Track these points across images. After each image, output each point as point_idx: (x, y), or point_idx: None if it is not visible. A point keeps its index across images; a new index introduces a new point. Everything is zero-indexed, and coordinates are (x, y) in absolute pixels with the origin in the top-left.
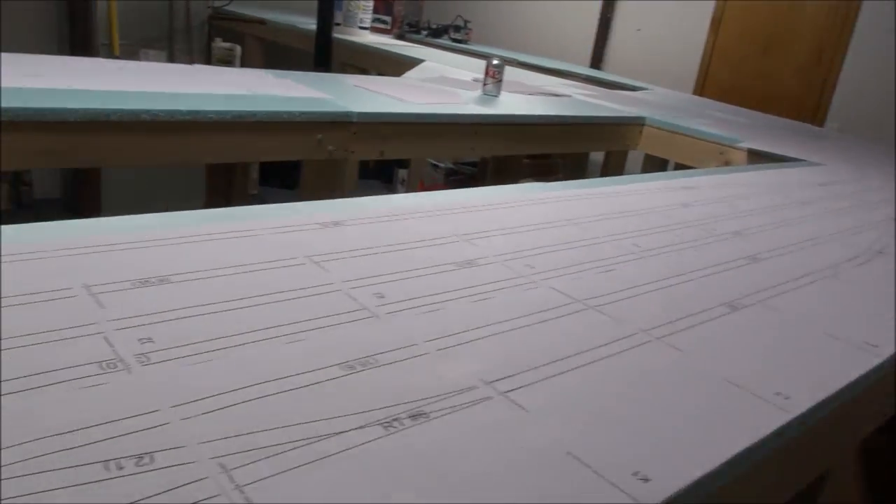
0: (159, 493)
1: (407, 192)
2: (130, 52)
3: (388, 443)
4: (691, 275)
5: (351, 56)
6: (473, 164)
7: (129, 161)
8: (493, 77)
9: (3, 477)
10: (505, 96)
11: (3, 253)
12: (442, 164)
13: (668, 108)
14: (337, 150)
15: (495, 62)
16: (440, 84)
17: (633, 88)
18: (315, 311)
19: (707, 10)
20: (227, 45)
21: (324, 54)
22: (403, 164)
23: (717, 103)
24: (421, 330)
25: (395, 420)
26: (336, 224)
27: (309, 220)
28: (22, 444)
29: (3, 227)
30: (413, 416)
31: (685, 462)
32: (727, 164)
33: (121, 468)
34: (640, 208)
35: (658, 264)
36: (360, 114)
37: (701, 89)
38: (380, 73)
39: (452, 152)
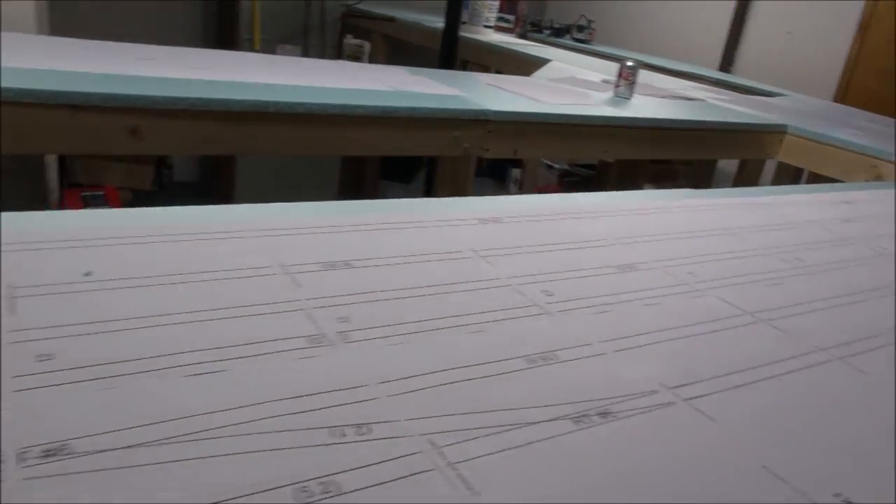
0: (380, 462)
1: (520, 192)
2: (268, 48)
3: (579, 437)
4: (865, 294)
5: (473, 54)
6: (590, 167)
7: (280, 150)
8: (627, 79)
9: (241, 432)
10: (637, 99)
11: (214, 230)
12: (557, 166)
13: (809, 116)
14: (472, 147)
15: (629, 64)
16: (570, 84)
17: (769, 94)
18: (489, 305)
19: (854, 12)
20: (357, 41)
21: (450, 52)
22: (517, 163)
23: (864, 112)
24: (594, 330)
25: (583, 416)
26: (495, 220)
27: (469, 215)
28: (253, 405)
29: (207, 207)
30: (601, 415)
31: (888, 489)
32: (878, 178)
33: (343, 435)
34: (797, 220)
35: (827, 280)
36: (496, 112)
37: (842, 97)
38: (500, 72)
39: (585, 154)
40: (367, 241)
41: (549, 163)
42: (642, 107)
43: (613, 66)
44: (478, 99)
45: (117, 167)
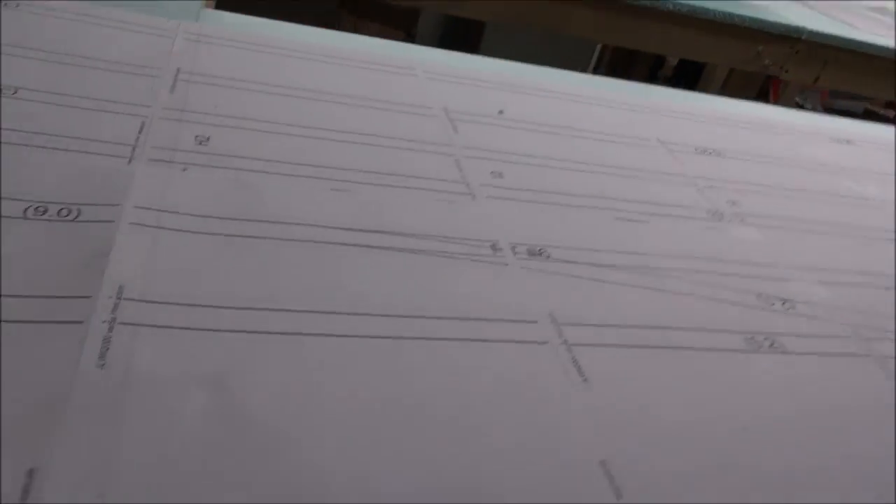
0: (815, 337)
1: None
2: None
3: None
4: None
5: None
6: (848, 114)
7: (579, 32)
8: None
9: (682, 277)
10: None
11: (593, 95)
12: (809, 106)
13: None
14: (772, 66)
15: None
16: (881, 14)
17: None
18: (872, 223)
19: None
20: None
21: None
22: (761, 94)
23: None
24: None
25: None
26: (849, 142)
27: (816, 130)
28: (683, 257)
29: (586, 75)
30: None
31: None
32: None
33: (773, 304)
34: None
35: None
36: (810, 32)
37: None
38: None
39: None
40: (730, 134)
41: (801, 101)
42: None
43: None
44: (786, 13)
45: (371, 27)
